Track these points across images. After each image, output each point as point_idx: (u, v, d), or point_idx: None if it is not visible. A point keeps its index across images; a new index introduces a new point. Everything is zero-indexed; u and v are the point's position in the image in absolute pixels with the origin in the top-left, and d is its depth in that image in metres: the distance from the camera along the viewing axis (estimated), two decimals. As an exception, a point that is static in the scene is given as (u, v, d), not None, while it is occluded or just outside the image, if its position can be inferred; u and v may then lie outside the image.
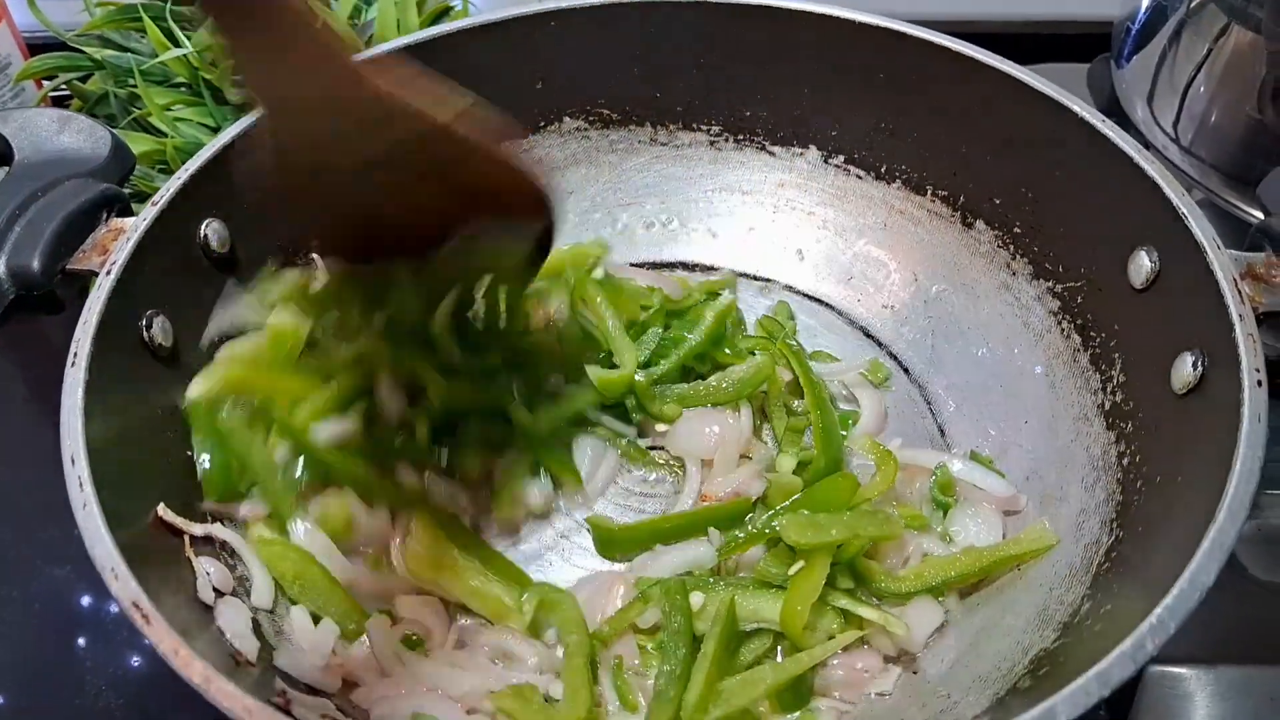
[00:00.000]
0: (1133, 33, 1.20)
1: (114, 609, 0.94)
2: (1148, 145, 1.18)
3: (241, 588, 0.78)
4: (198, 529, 0.77)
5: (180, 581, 0.74)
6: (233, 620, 0.73)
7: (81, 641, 0.92)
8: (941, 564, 0.83)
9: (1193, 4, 1.10)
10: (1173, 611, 0.58)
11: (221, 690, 0.56)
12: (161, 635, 0.59)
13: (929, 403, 0.99)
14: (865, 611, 0.79)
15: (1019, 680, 0.71)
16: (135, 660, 0.91)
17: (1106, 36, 1.28)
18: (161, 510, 0.75)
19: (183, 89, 1.17)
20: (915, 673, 0.80)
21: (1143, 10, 1.18)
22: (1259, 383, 0.67)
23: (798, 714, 0.77)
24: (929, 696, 0.76)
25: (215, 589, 0.75)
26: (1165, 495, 0.74)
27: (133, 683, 0.90)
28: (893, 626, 0.78)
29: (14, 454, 1.09)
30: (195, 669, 0.57)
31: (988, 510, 0.87)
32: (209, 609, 0.74)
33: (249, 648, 0.72)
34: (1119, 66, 1.24)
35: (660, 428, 0.94)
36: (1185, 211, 0.77)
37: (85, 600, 0.95)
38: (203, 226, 0.86)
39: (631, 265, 1.09)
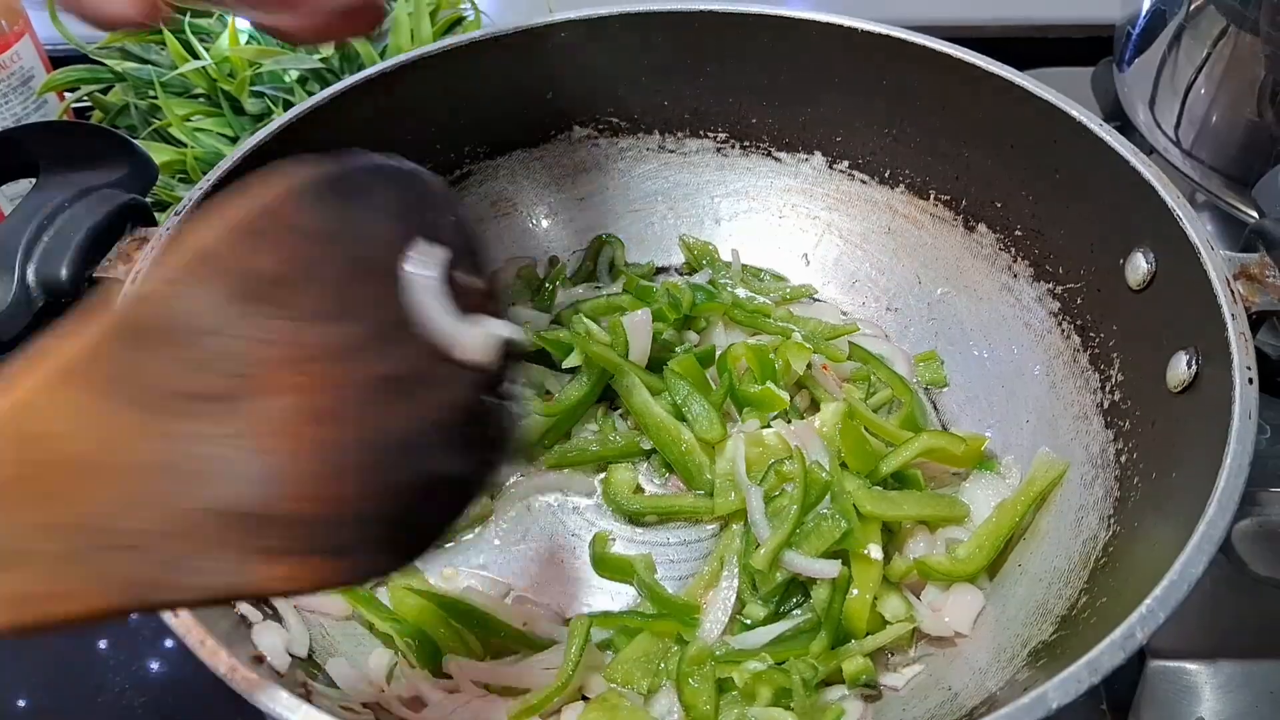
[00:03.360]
0: (1133, 37, 1.21)
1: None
2: (1150, 149, 1.19)
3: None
4: None
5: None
6: (270, 640, 0.74)
7: (103, 644, 0.93)
8: (990, 527, 0.85)
9: (1191, 7, 1.10)
10: (1162, 602, 0.59)
11: (246, 679, 0.58)
12: (188, 627, 0.61)
13: (933, 403, 1.01)
14: (898, 604, 0.82)
15: (1018, 672, 0.73)
16: (156, 662, 0.92)
17: (1111, 40, 1.29)
18: None
19: (202, 100, 1.19)
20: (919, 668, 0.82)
21: (1143, 14, 1.18)
22: (1250, 380, 0.68)
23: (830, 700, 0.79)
24: (931, 689, 0.78)
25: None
26: (1160, 491, 0.75)
27: (154, 684, 0.91)
28: (926, 626, 0.82)
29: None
30: (221, 659, 0.59)
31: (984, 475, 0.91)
32: (241, 618, 0.74)
33: (281, 663, 0.72)
34: (1121, 70, 1.25)
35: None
36: (1180, 213, 0.78)
37: (108, 602, 0.97)
38: (223, 235, 0.88)
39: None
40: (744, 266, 1.10)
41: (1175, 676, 0.83)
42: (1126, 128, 1.21)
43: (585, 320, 0.98)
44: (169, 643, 0.93)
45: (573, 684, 0.77)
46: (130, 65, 1.21)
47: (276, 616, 0.77)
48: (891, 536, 0.86)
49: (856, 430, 0.88)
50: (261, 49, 1.17)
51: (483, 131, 1.06)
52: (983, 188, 0.99)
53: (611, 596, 0.88)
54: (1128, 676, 0.83)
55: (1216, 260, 0.75)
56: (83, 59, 1.23)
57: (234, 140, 1.16)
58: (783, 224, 1.12)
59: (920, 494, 0.87)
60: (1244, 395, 0.68)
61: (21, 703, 0.90)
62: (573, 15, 1.01)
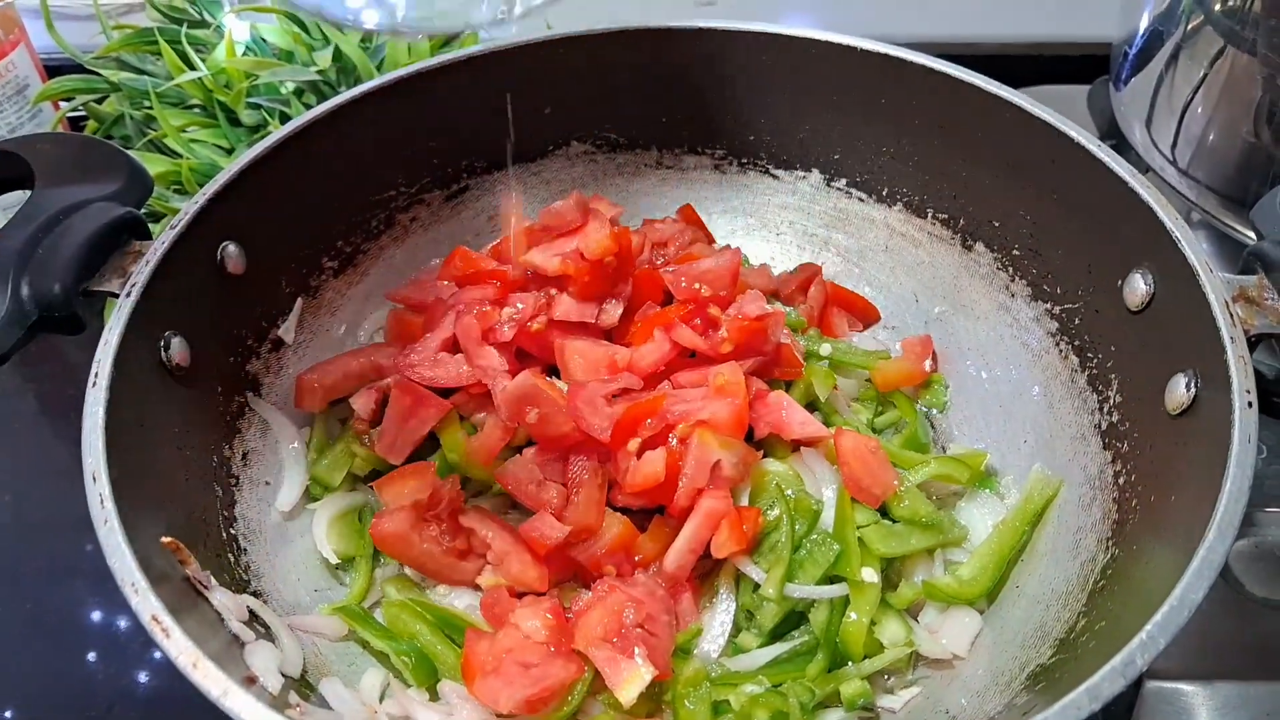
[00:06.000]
0: (1130, 56, 1.21)
1: (124, 624, 0.96)
2: (1146, 168, 1.19)
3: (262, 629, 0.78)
4: (206, 579, 0.75)
5: (198, 602, 0.74)
6: (262, 660, 0.73)
7: (91, 656, 0.94)
8: (992, 548, 0.85)
9: (1189, 27, 1.11)
10: (1162, 628, 0.59)
11: (240, 702, 0.58)
12: (181, 648, 0.60)
13: (930, 422, 1.00)
14: (898, 630, 0.82)
15: (1016, 696, 0.73)
16: (144, 675, 0.92)
17: (1107, 58, 1.29)
18: (166, 540, 0.73)
19: (197, 111, 1.19)
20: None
21: (1140, 33, 1.19)
22: (1249, 404, 0.68)
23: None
24: (929, 712, 0.78)
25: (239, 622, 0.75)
26: (1159, 514, 0.75)
27: (142, 697, 0.91)
28: (924, 648, 0.81)
29: (27, 469, 1.10)
30: (215, 681, 0.59)
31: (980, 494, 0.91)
32: (234, 638, 0.74)
33: (273, 684, 0.71)
34: (1118, 89, 1.25)
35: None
36: (1178, 235, 0.78)
37: (96, 615, 0.96)
38: (219, 249, 0.87)
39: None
40: (741, 283, 1.10)
41: (1172, 698, 0.83)
42: (1122, 146, 1.21)
43: None
44: (157, 655, 0.93)
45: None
46: (126, 75, 1.20)
47: (269, 636, 0.77)
48: (892, 562, 0.86)
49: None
50: (258, 60, 1.16)
51: (481, 146, 1.06)
52: (980, 206, 0.99)
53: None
54: (1124, 697, 0.83)
55: (1216, 283, 0.75)
56: (78, 69, 1.23)
57: (229, 152, 1.15)
58: (780, 241, 1.12)
59: (924, 525, 0.86)
60: (1243, 420, 0.68)
61: (9, 714, 0.90)
62: (571, 32, 1.01)
